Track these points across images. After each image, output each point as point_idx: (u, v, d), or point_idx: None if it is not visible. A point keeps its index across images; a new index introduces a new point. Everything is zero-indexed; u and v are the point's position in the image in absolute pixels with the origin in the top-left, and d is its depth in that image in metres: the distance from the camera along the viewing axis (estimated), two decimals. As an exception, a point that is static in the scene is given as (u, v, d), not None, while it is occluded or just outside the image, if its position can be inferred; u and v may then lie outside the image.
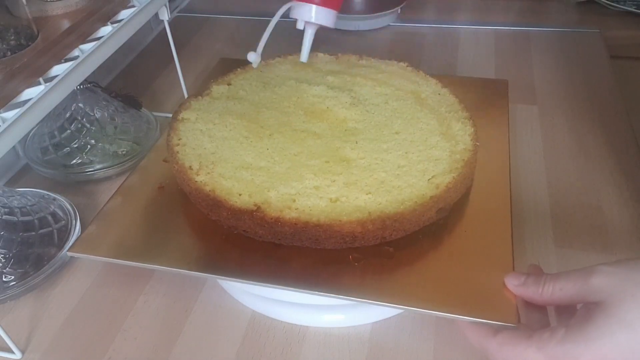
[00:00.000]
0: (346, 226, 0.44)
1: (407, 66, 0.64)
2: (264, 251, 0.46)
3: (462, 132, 0.53)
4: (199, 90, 0.61)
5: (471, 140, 0.52)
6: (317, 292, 0.43)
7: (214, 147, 0.52)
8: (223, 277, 0.48)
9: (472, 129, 0.54)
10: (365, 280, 0.44)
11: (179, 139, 0.53)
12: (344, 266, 0.45)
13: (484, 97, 0.64)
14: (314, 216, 0.45)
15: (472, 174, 0.52)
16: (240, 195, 0.47)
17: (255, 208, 0.45)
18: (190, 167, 0.50)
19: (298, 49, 0.67)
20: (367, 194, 0.47)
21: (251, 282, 0.45)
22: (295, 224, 0.44)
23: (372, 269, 0.45)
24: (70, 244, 0.59)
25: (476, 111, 0.57)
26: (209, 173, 0.49)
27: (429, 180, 0.48)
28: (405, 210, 0.45)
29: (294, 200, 0.46)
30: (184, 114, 0.56)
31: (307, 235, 0.45)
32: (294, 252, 0.46)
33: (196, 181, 0.48)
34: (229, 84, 0.62)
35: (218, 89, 0.61)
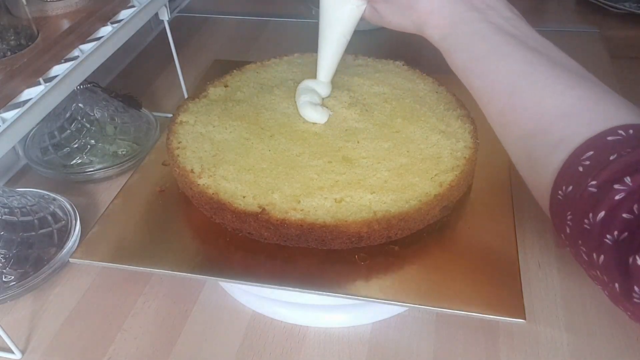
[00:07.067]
0: (352, 226, 0.44)
1: (402, 65, 0.64)
2: (268, 252, 0.46)
3: (461, 130, 0.53)
4: (195, 92, 0.60)
5: (471, 137, 0.52)
6: (323, 293, 0.43)
7: (214, 149, 0.52)
8: (228, 280, 0.48)
9: (472, 127, 0.54)
10: (372, 280, 0.44)
11: (179, 142, 0.53)
12: (350, 266, 0.45)
13: None
14: (320, 217, 0.44)
15: (473, 171, 0.52)
16: (244, 197, 0.47)
17: (261, 210, 0.45)
18: (192, 170, 0.49)
19: (296, 50, 0.67)
20: (371, 194, 0.46)
21: (257, 284, 0.45)
22: (301, 225, 0.44)
23: (378, 268, 0.45)
24: (70, 244, 0.58)
25: (471, 109, 0.57)
26: (211, 176, 0.49)
27: (432, 178, 0.48)
28: (410, 209, 0.45)
29: (299, 202, 0.46)
30: (182, 117, 0.56)
31: (313, 236, 0.45)
32: (298, 253, 0.46)
33: (198, 184, 0.48)
34: (225, 86, 0.62)
35: (215, 90, 0.60)
